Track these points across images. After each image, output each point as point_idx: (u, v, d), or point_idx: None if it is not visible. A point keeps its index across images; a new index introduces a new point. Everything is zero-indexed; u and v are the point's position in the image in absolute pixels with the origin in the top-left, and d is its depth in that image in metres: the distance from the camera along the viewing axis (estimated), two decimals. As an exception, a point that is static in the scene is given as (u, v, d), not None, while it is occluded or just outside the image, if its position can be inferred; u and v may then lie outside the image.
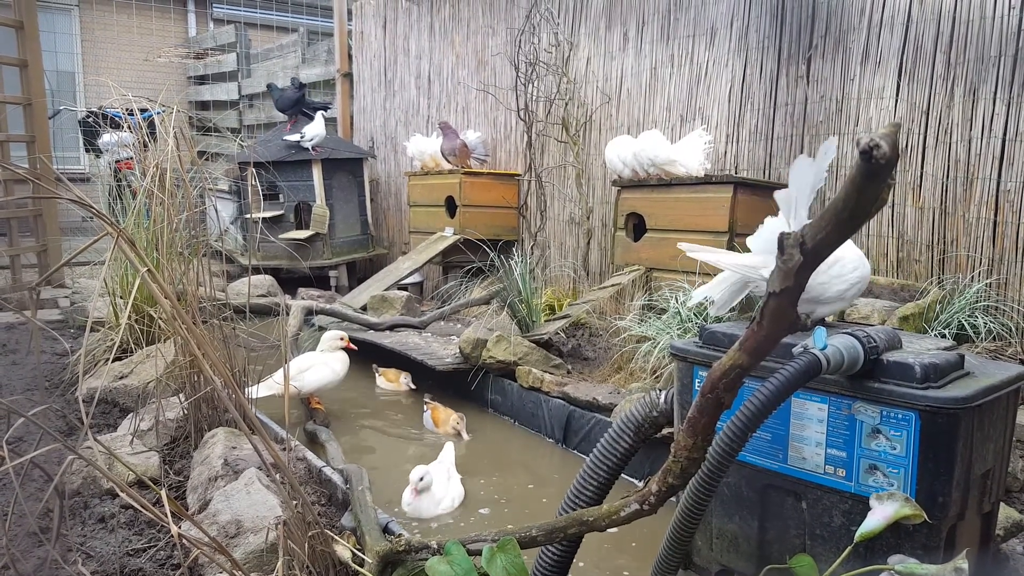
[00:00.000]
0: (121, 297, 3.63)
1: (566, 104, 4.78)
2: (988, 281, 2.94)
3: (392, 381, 3.90)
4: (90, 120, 7.01)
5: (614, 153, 3.95)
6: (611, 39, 4.62)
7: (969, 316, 2.77)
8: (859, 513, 1.41)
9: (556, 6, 4.91)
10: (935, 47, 3.13)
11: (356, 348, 3.50)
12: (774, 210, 1.65)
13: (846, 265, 1.66)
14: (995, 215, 2.97)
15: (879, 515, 1.33)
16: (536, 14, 4.93)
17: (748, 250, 1.76)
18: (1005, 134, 2.93)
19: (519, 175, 5.38)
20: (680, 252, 3.61)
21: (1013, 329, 2.81)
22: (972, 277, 2.98)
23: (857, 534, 1.34)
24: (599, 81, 4.70)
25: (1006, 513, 1.95)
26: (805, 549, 1.53)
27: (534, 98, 4.99)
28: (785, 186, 1.55)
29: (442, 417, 3.33)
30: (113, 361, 3.22)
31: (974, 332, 2.71)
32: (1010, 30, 2.89)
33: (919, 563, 1.28)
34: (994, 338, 2.74)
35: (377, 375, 3.99)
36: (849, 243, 1.58)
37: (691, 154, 3.69)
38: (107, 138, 6.43)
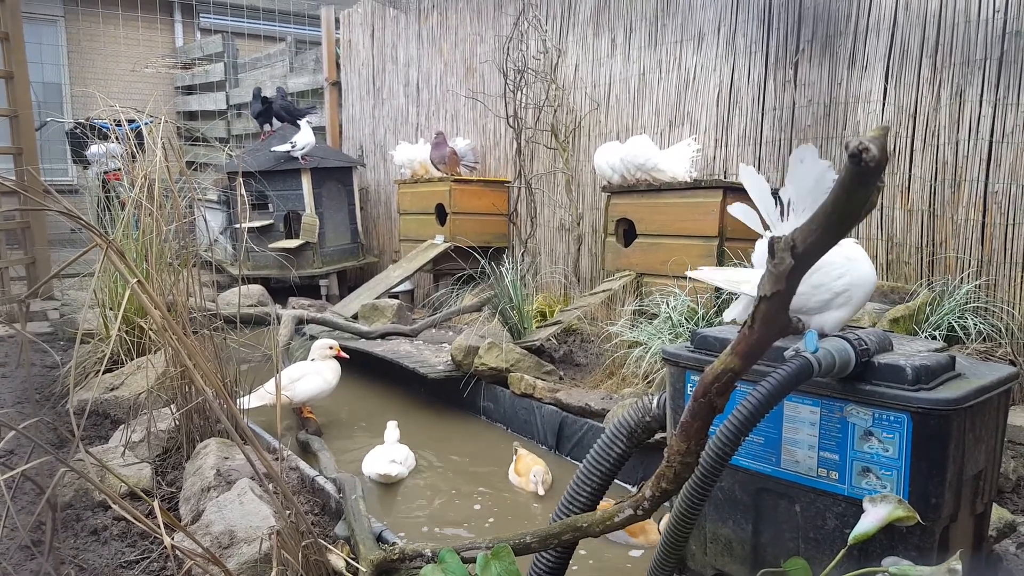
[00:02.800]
0: (111, 309, 3.60)
1: (555, 111, 4.80)
2: (977, 283, 2.96)
3: (521, 475, 2.80)
4: (77, 131, 6.99)
5: (603, 159, 3.96)
6: (599, 45, 4.64)
7: (959, 318, 2.79)
8: (852, 516, 1.41)
9: (544, 13, 4.93)
10: (921, 51, 3.16)
11: (348, 357, 3.49)
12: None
13: (829, 272, 1.53)
14: (983, 217, 2.99)
15: (872, 517, 1.33)
16: (524, 21, 4.95)
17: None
18: (992, 136, 2.95)
19: (509, 182, 5.39)
20: (671, 257, 3.63)
21: (1003, 330, 2.83)
22: (961, 279, 3.00)
23: (851, 537, 1.34)
24: (587, 87, 4.72)
25: (998, 514, 1.96)
26: (799, 552, 1.53)
27: (523, 105, 5.00)
28: (776, 192, 1.54)
29: (522, 467, 2.82)
30: (104, 373, 3.20)
31: (964, 333, 2.73)
32: (995, 33, 2.92)
33: (913, 565, 1.29)
34: (984, 339, 2.76)
35: (514, 458, 2.92)
36: (838, 247, 1.55)
37: (677, 160, 3.71)
38: (95, 149, 6.41)
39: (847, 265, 1.56)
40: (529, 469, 2.74)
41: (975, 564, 1.62)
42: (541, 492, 2.68)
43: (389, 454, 2.89)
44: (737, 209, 1.62)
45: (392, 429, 3.06)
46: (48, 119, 7.97)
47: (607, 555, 2.27)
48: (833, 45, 3.46)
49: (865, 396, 1.42)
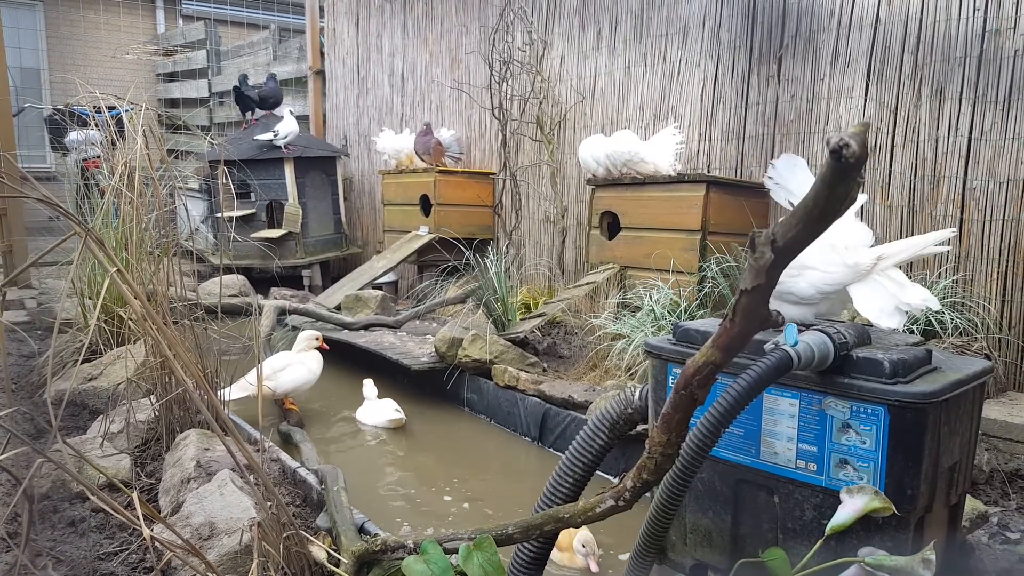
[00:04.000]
0: (90, 298, 3.57)
1: (540, 103, 4.79)
2: (955, 278, 2.99)
3: (563, 549, 2.16)
4: (56, 118, 6.89)
5: (587, 152, 3.96)
6: (585, 38, 4.63)
7: (936, 312, 2.82)
8: (830, 507, 1.43)
9: (529, 5, 4.91)
10: (903, 48, 3.18)
11: (328, 348, 3.48)
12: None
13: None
14: (961, 213, 3.03)
15: (849, 508, 1.35)
16: (510, 12, 4.94)
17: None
18: (971, 133, 2.98)
19: (494, 174, 5.38)
20: (654, 250, 3.64)
21: (979, 325, 2.87)
22: (939, 274, 3.04)
23: (828, 527, 1.36)
24: (573, 80, 4.72)
25: (972, 505, 1.99)
26: (777, 543, 1.55)
27: (508, 97, 4.99)
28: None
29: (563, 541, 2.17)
30: (82, 363, 3.17)
31: (941, 328, 2.76)
32: (975, 32, 2.95)
33: (888, 555, 1.31)
34: (960, 333, 2.80)
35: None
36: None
37: (662, 153, 3.72)
38: (74, 136, 6.33)
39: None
40: (571, 539, 2.14)
41: (949, 554, 1.65)
42: (595, 569, 2.08)
43: (390, 404, 3.39)
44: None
45: (370, 386, 3.51)
46: (26, 105, 7.84)
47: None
48: (816, 41, 3.48)
49: (843, 389, 1.44)
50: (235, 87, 6.69)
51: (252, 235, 5.97)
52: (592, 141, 3.99)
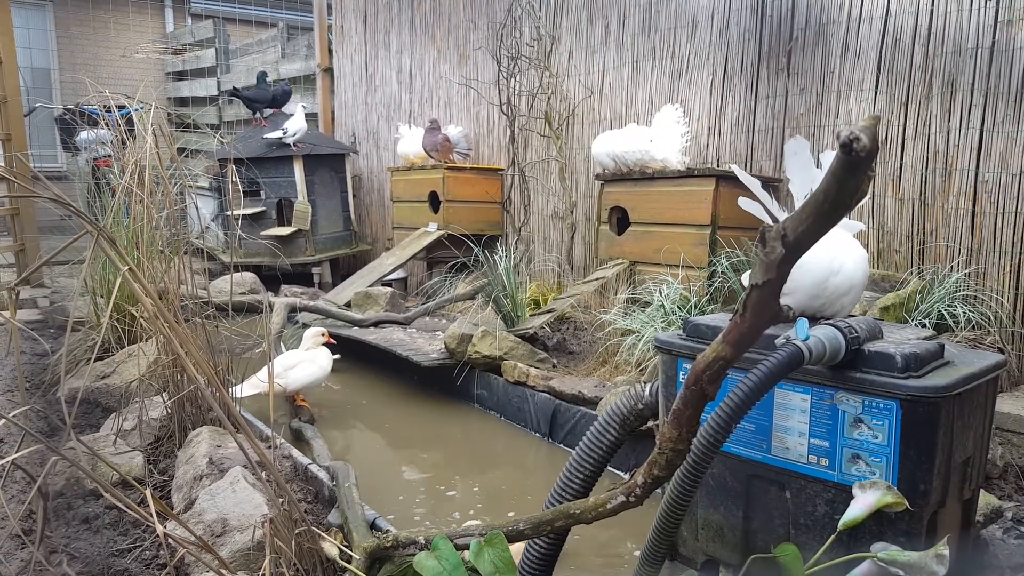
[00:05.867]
0: (101, 296, 3.59)
1: (548, 98, 4.78)
2: (967, 271, 2.97)
3: None
4: (67, 117, 6.93)
5: (602, 149, 3.95)
6: (593, 32, 4.62)
7: (948, 306, 2.80)
8: (842, 502, 1.42)
9: (537, 0, 4.90)
10: (913, 39, 3.16)
11: (335, 343, 3.48)
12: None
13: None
14: (973, 205, 3.01)
15: (862, 503, 1.34)
16: (517, 8, 4.92)
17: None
18: (983, 125, 2.96)
19: (502, 170, 5.37)
20: (664, 245, 3.63)
21: (991, 318, 2.85)
22: (951, 267, 3.02)
23: (840, 523, 1.35)
24: (581, 75, 4.70)
25: (986, 499, 1.98)
26: (789, 538, 1.54)
27: (516, 92, 4.98)
28: (769, 179, 1.56)
29: None
30: (95, 361, 3.18)
31: (953, 321, 2.75)
32: (987, 22, 2.92)
33: (901, 550, 1.30)
34: (973, 327, 2.78)
35: None
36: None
37: (670, 150, 3.71)
38: (84, 136, 6.37)
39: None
40: None
41: (962, 549, 1.64)
42: None
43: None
44: (744, 203, 1.67)
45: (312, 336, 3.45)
46: (37, 105, 7.89)
47: (602, 538, 2.28)
48: (826, 33, 3.45)
49: (855, 384, 1.43)
50: (233, 88, 6.68)
51: (262, 233, 5.99)
52: (606, 138, 3.98)
